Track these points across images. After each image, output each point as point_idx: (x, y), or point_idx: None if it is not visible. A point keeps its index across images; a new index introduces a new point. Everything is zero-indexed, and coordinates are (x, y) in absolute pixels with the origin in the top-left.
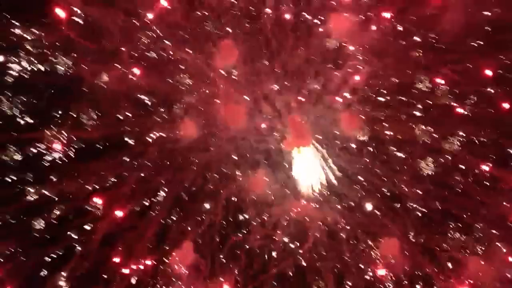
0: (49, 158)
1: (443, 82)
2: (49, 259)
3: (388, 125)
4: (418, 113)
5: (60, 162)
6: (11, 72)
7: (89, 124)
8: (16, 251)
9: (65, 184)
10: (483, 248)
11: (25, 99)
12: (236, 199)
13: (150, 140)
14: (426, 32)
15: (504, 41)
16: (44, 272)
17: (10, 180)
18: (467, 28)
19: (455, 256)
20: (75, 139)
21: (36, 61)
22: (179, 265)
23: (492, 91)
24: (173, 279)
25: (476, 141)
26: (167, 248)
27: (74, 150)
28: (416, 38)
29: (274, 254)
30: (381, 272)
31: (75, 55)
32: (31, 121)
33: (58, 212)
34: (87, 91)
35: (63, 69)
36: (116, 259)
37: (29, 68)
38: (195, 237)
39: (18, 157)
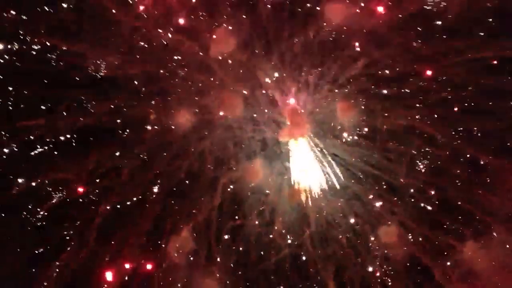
0: (41, 149)
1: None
2: (43, 251)
3: (386, 116)
4: (417, 104)
5: (52, 152)
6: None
7: (83, 113)
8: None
9: (56, 175)
10: (482, 240)
11: (16, 88)
12: (232, 188)
13: (146, 129)
14: (426, 22)
15: (504, 32)
16: (36, 265)
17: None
18: (468, 19)
19: (454, 246)
20: (68, 129)
21: (27, 49)
22: (177, 253)
23: (492, 82)
24: (172, 267)
25: (477, 133)
26: (165, 237)
27: (66, 140)
28: (418, 28)
29: (271, 244)
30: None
31: (69, 43)
32: (23, 110)
33: (50, 204)
34: (80, 80)
35: (55, 57)
36: (112, 250)
37: (20, 56)
38: (193, 226)
39: (9, 147)
